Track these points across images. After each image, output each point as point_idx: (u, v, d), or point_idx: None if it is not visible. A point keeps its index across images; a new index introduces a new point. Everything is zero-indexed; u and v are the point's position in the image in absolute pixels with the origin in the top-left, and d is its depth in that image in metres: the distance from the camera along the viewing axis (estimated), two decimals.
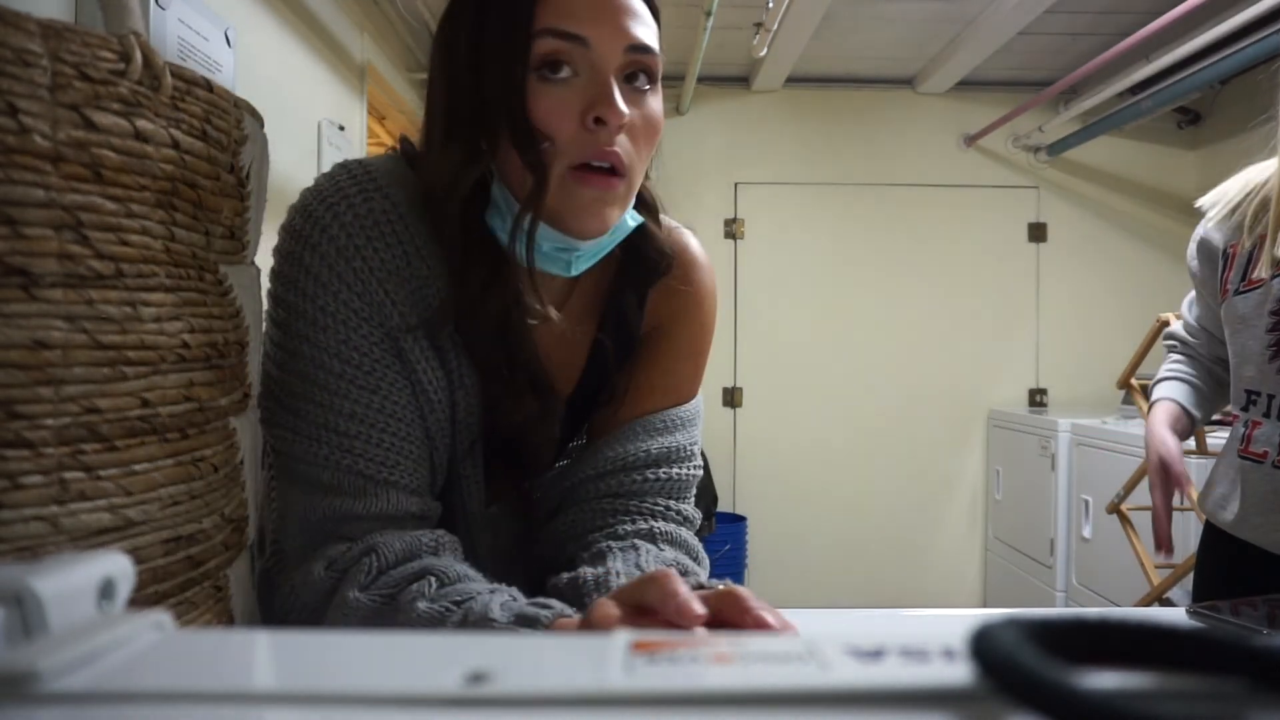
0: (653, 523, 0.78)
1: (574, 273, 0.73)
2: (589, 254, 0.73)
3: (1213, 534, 1.26)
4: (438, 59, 0.72)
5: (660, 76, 0.72)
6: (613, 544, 0.74)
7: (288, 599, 0.68)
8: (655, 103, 0.71)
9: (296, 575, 0.68)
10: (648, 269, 0.81)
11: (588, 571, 0.69)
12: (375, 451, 0.69)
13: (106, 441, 0.50)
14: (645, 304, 0.83)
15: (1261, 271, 1.12)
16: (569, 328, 0.78)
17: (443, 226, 0.70)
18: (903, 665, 0.24)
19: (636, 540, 0.75)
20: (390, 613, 0.62)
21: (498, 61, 0.67)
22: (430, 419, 0.73)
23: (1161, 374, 1.41)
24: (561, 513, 0.80)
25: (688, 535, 0.79)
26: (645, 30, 0.69)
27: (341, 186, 0.70)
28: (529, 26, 0.65)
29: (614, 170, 0.68)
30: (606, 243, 0.73)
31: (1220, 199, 1.22)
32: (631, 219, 0.75)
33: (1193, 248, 1.27)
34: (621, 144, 0.68)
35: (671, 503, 0.80)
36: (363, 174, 0.71)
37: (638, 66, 0.69)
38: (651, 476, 0.79)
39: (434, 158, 0.71)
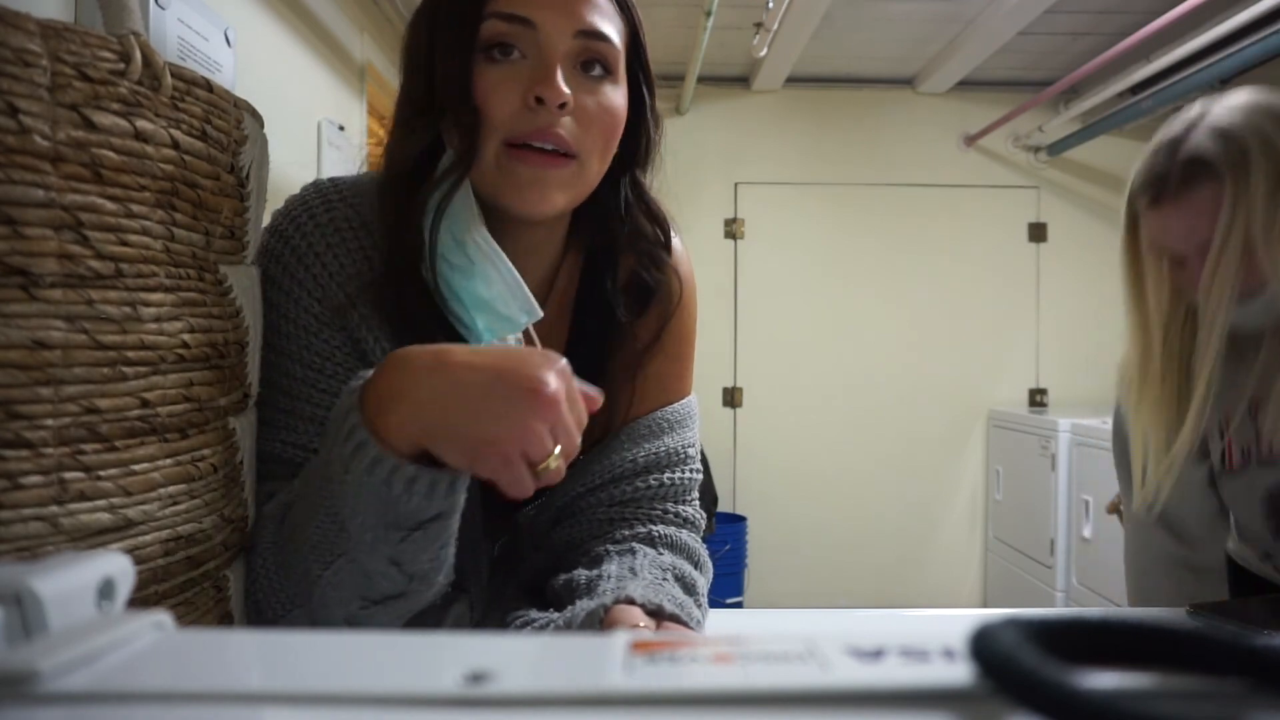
0: (651, 527, 0.77)
1: None
2: None
3: None
4: (403, 56, 0.74)
5: (623, 69, 0.71)
6: (610, 548, 0.74)
7: (262, 581, 0.64)
8: (613, 93, 0.70)
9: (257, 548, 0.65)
10: (609, 257, 0.78)
11: (581, 574, 0.70)
12: None
13: (106, 441, 0.50)
14: (621, 319, 0.79)
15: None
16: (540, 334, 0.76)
17: (387, 212, 0.70)
18: (903, 665, 0.24)
19: (635, 544, 0.74)
20: (321, 466, 0.58)
21: (447, 45, 0.68)
22: None
23: None
24: (560, 525, 0.79)
25: (688, 538, 0.78)
26: (600, 19, 0.69)
27: (306, 200, 0.73)
28: (479, 11, 0.67)
29: (559, 153, 0.67)
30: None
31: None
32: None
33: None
34: (567, 126, 0.67)
35: (669, 505, 0.79)
36: (329, 186, 0.74)
37: (591, 54, 0.69)
38: (643, 485, 0.78)
39: (389, 146, 0.73)
